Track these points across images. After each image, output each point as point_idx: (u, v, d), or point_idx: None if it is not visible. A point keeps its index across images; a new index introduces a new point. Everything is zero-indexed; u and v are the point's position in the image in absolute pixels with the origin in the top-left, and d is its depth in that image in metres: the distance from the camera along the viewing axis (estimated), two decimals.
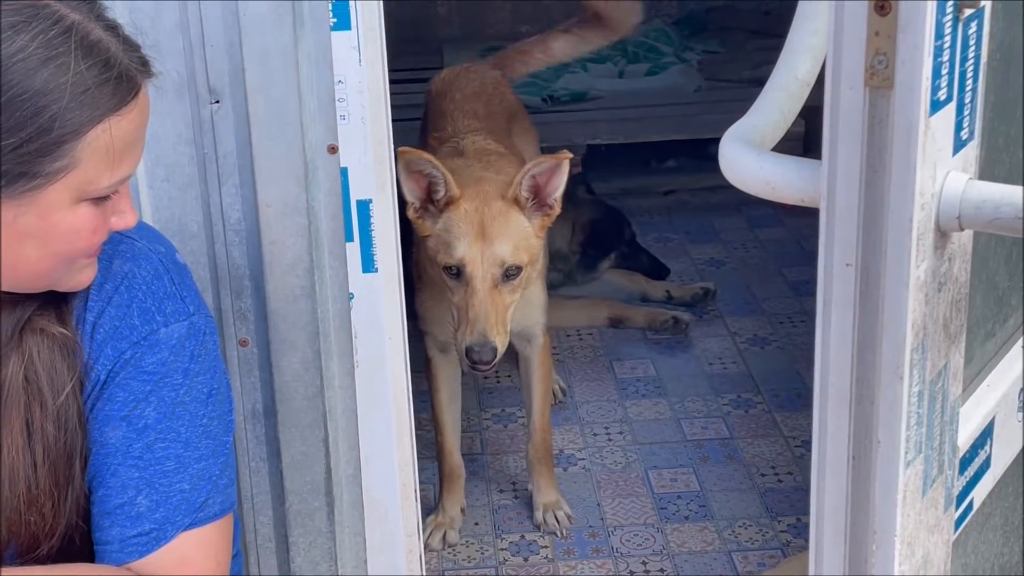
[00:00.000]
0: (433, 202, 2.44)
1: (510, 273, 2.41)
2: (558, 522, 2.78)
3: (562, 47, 3.26)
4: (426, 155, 2.41)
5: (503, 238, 2.39)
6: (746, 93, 4.78)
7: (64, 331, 1.41)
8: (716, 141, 4.34)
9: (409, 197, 2.44)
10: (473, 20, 5.04)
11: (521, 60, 3.26)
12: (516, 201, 2.42)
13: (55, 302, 1.42)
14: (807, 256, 3.82)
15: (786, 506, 2.82)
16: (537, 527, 2.79)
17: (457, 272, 2.40)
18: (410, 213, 2.44)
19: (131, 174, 1.36)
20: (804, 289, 3.69)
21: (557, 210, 2.45)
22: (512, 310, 2.44)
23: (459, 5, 5.03)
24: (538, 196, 2.43)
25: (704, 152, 4.24)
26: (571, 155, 2.41)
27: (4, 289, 1.37)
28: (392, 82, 1.97)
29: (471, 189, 2.45)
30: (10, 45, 1.24)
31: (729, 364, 3.39)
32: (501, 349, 2.39)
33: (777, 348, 3.45)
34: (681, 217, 4.22)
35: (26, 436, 1.40)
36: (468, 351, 2.36)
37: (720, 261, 3.94)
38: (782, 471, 2.95)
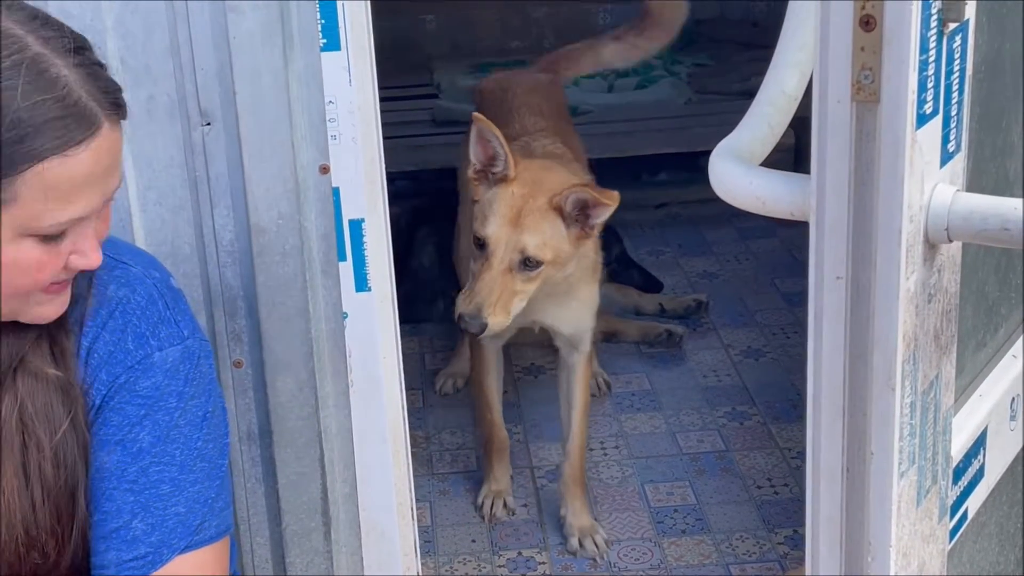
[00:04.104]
0: (492, 171, 2.52)
1: (529, 264, 2.46)
2: (596, 547, 2.73)
3: (612, 54, 3.32)
4: (497, 131, 2.48)
5: (533, 230, 2.46)
6: (736, 105, 4.78)
7: (59, 373, 1.40)
8: (707, 154, 4.31)
9: (473, 159, 2.54)
10: (462, 36, 5.05)
11: (569, 64, 3.29)
12: (560, 208, 2.48)
13: (50, 336, 1.41)
14: (800, 267, 3.82)
15: (783, 518, 2.82)
16: (572, 553, 2.74)
17: (482, 245, 2.48)
18: (469, 172, 2.55)
19: (87, 215, 1.32)
20: (797, 300, 3.69)
21: (595, 234, 2.53)
22: (521, 299, 2.48)
23: (448, 21, 5.04)
24: (583, 213, 2.48)
25: (695, 165, 4.24)
26: (617, 198, 2.45)
27: None
28: (380, 99, 1.98)
29: (527, 176, 2.52)
30: None
31: (724, 376, 3.39)
32: (493, 328, 2.46)
33: (771, 360, 3.45)
34: (673, 230, 4.23)
35: (23, 479, 1.39)
36: (459, 318, 2.46)
37: (713, 274, 3.95)
38: (778, 483, 2.95)
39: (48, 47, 1.27)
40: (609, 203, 2.44)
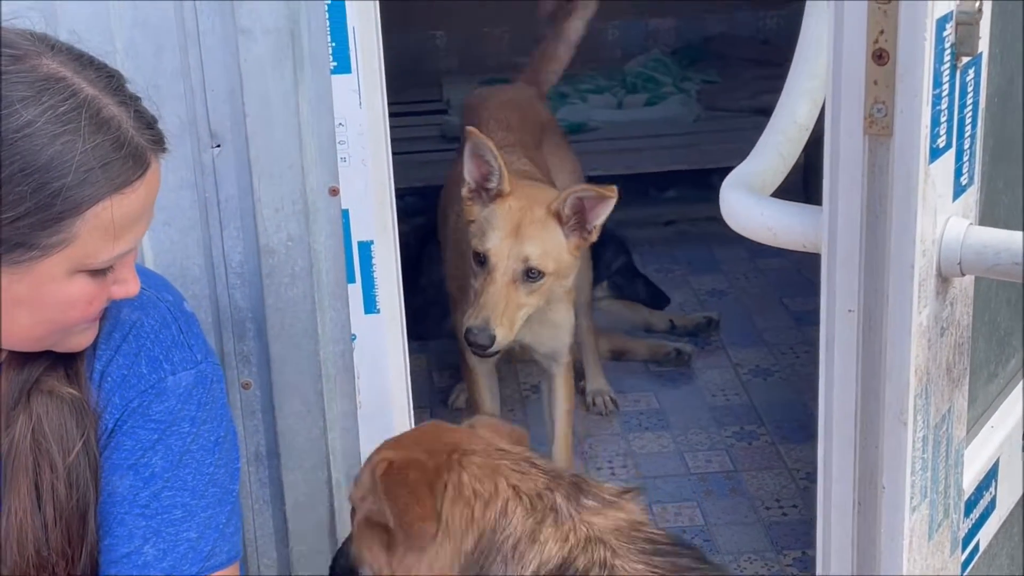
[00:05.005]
0: (486, 189, 2.53)
1: (531, 275, 2.48)
2: None
3: (572, 27, 3.29)
4: (491, 144, 2.49)
5: (534, 240, 2.48)
6: (745, 122, 4.75)
7: (73, 392, 1.40)
8: (716, 171, 4.30)
9: (467, 177, 2.54)
10: (471, 52, 5.05)
11: (548, 63, 3.29)
12: (558, 214, 2.49)
13: (64, 358, 1.41)
14: (809, 286, 3.81)
15: (791, 539, 2.81)
16: None
17: (483, 260, 2.48)
18: (464, 192, 2.55)
19: (134, 247, 1.35)
20: (806, 319, 3.68)
21: (594, 237, 2.53)
22: (524, 312, 2.50)
23: (458, 37, 5.05)
24: (580, 218, 2.50)
25: (704, 182, 4.23)
26: (616, 190, 2.47)
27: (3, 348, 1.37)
28: (389, 115, 1.98)
29: (522, 190, 2.54)
30: (17, 119, 1.23)
31: (732, 396, 3.38)
32: (501, 341, 2.46)
33: (780, 379, 3.44)
34: (682, 247, 4.21)
35: (35, 498, 1.39)
36: (467, 332, 2.46)
37: (722, 292, 3.94)
38: (787, 504, 2.93)
39: (96, 88, 1.28)
40: (610, 195, 2.44)
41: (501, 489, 1.51)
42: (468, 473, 1.53)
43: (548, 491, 1.50)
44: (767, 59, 4.75)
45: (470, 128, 2.52)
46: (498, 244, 2.47)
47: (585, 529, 1.48)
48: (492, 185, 2.51)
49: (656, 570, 1.43)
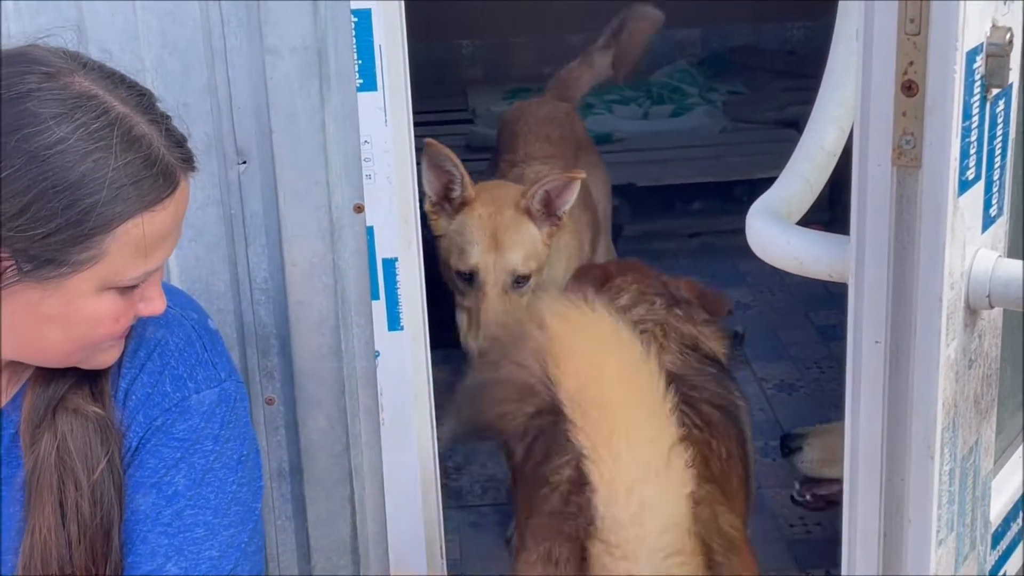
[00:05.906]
0: (449, 200, 2.51)
1: (519, 281, 2.50)
2: None
3: (602, 63, 3.33)
4: (448, 151, 2.49)
5: (515, 247, 2.48)
6: (771, 134, 4.70)
7: (98, 410, 1.41)
8: (742, 183, 4.26)
9: (427, 190, 2.52)
10: (497, 61, 5.05)
11: (577, 84, 3.37)
12: (528, 210, 2.50)
13: (89, 376, 1.42)
14: (834, 299, 3.79)
15: (816, 558, 2.79)
16: None
17: (469, 277, 2.48)
18: (427, 206, 2.52)
19: (162, 265, 1.36)
20: (831, 333, 3.66)
21: (564, 221, 2.56)
22: (520, 312, 2.50)
23: (483, 46, 5.05)
24: (549, 207, 2.51)
25: (729, 194, 4.22)
26: (583, 174, 2.51)
27: (29, 364, 1.38)
28: (415, 124, 1.98)
29: (486, 194, 2.54)
30: (50, 136, 1.24)
31: (756, 411, 3.35)
32: None
33: (805, 395, 3.42)
34: (706, 260, 4.19)
35: (59, 516, 1.40)
36: (480, 355, 2.45)
37: (747, 305, 3.91)
38: (811, 522, 2.91)
39: (127, 106, 1.29)
40: (577, 177, 2.46)
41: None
42: (617, 286, 2.19)
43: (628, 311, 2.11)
44: (793, 70, 4.73)
45: (428, 140, 2.49)
46: (481, 259, 2.47)
47: None
48: (456, 194, 2.50)
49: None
